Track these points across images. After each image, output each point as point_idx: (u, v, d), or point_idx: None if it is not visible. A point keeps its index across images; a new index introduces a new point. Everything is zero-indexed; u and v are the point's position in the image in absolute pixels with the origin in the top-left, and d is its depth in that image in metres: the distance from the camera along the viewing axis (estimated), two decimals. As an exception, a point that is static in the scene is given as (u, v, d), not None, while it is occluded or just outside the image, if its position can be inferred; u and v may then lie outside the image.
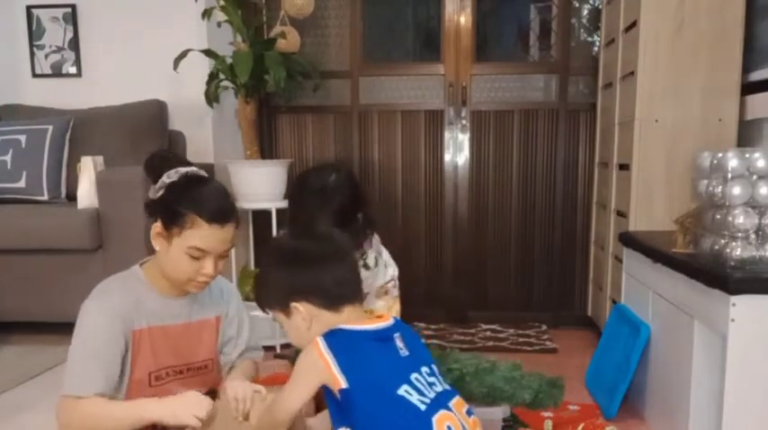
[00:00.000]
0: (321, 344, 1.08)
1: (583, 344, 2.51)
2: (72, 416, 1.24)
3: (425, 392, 1.07)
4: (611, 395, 1.84)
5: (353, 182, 1.80)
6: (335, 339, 1.09)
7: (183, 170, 1.32)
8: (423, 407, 1.05)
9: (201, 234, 1.27)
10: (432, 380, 1.11)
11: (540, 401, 1.53)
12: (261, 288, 1.24)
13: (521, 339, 2.65)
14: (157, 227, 1.30)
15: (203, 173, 1.36)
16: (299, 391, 1.12)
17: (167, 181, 1.30)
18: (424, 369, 1.12)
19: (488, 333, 2.76)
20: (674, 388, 1.60)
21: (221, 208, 1.29)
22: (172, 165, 1.32)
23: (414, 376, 1.09)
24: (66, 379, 1.26)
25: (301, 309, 1.14)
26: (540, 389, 1.53)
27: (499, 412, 1.52)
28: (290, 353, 1.88)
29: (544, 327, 2.80)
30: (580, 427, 1.70)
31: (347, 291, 1.17)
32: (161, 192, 1.30)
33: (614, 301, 2.21)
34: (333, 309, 1.15)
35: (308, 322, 1.15)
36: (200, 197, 1.29)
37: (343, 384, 1.05)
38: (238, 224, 1.34)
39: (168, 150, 1.40)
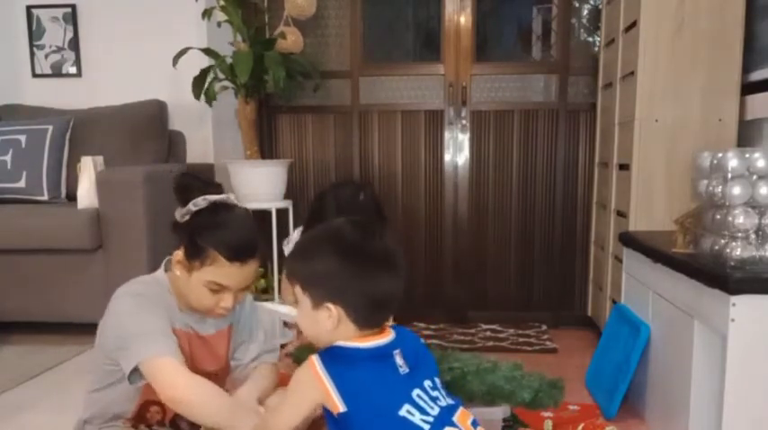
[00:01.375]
0: (318, 364, 1.03)
1: (583, 344, 2.51)
2: (177, 380, 1.20)
3: (428, 410, 1.03)
4: (610, 395, 1.84)
5: (378, 201, 1.80)
6: (333, 359, 1.03)
7: (211, 198, 1.28)
8: (426, 427, 1.01)
9: (222, 272, 1.24)
10: (435, 394, 1.07)
11: (539, 401, 1.53)
12: (303, 264, 1.09)
13: (521, 339, 2.65)
14: (179, 255, 1.28)
15: (232, 200, 1.32)
16: (295, 410, 1.07)
17: (194, 209, 1.27)
18: (427, 383, 1.07)
19: (488, 333, 2.76)
20: (674, 388, 1.60)
21: (243, 246, 1.26)
22: (201, 187, 1.29)
23: (415, 393, 1.04)
24: (133, 353, 1.21)
25: (334, 312, 1.05)
26: (541, 388, 1.53)
27: (499, 412, 1.52)
28: (292, 350, 1.86)
29: (544, 327, 2.80)
30: (580, 427, 1.71)
31: (386, 315, 1.09)
32: (186, 218, 1.27)
33: (614, 301, 2.21)
34: (363, 327, 1.06)
35: (333, 323, 1.05)
36: (222, 234, 1.25)
37: (342, 408, 1.00)
38: (262, 260, 1.32)
39: (196, 173, 1.37)
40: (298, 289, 1.09)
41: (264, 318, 1.55)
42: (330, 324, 1.05)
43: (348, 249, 1.06)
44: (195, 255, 1.25)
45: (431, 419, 1.02)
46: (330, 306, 1.05)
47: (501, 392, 1.49)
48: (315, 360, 1.03)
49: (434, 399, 1.06)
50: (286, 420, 1.08)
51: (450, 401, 1.09)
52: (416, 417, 1.01)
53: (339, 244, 1.07)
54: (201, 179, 1.34)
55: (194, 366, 1.33)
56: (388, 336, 1.08)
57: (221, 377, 1.44)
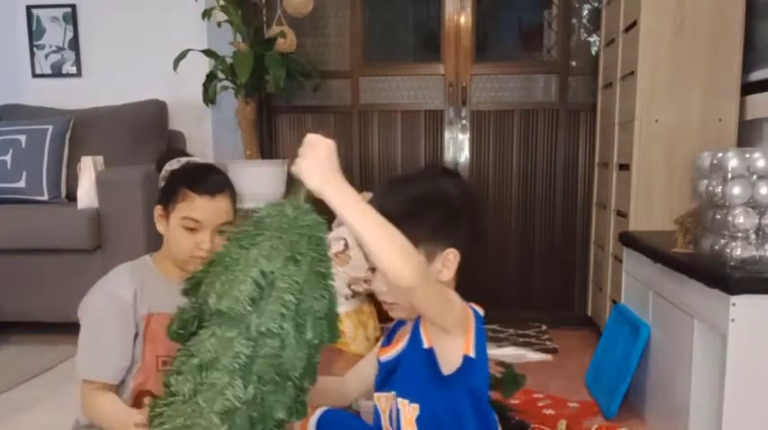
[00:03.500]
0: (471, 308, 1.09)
1: (583, 344, 2.51)
2: (86, 404, 1.33)
3: None
4: (610, 395, 1.84)
5: None
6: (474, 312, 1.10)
7: (184, 159, 1.42)
8: None
9: (193, 205, 1.33)
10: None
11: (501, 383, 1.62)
12: (414, 220, 1.03)
13: (521, 339, 2.64)
14: (158, 209, 1.39)
15: (205, 162, 1.46)
16: (442, 293, 1.04)
17: (169, 169, 1.41)
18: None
19: (488, 333, 2.75)
20: (674, 388, 1.60)
21: (210, 179, 1.36)
22: (176, 156, 1.45)
23: None
24: (77, 364, 1.34)
25: (452, 259, 1.08)
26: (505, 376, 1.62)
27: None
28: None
29: (544, 327, 2.80)
30: (594, 428, 1.71)
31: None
32: (162, 182, 1.41)
33: (614, 301, 2.21)
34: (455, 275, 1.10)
35: (450, 271, 1.09)
36: (190, 172, 1.39)
37: (473, 353, 1.06)
38: (235, 199, 1.40)
39: (177, 149, 1.47)
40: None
41: None
42: (447, 272, 1.08)
43: (468, 199, 1.12)
44: (169, 198, 1.36)
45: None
46: (453, 251, 1.08)
47: None
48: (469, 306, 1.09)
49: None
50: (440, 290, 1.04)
51: None
52: None
53: (441, 191, 1.11)
54: (178, 150, 1.47)
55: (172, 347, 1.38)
56: (391, 357, 1.14)
57: None
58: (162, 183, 1.41)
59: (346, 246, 1.70)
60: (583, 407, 1.89)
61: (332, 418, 1.24)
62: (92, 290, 1.38)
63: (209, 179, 1.36)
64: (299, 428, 1.18)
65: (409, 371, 1.10)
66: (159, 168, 1.45)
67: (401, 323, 1.20)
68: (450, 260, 1.08)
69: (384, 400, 1.13)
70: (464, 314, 1.07)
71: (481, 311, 1.12)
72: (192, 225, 1.33)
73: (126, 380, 1.35)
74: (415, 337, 1.09)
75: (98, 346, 1.34)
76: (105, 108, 2.82)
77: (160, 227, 1.39)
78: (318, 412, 1.24)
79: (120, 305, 1.34)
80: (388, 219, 0.92)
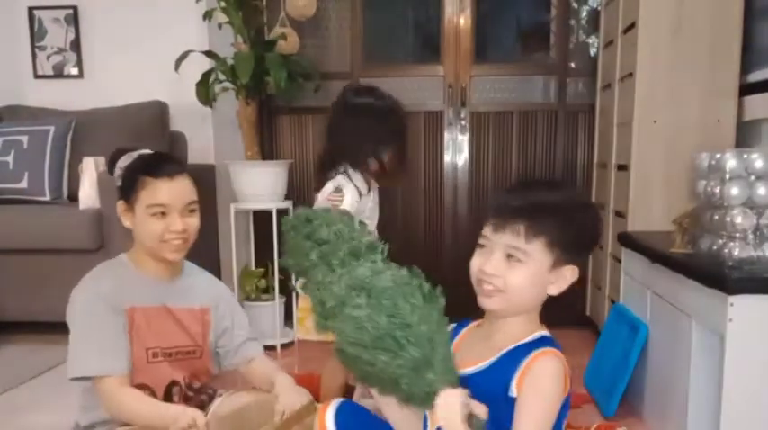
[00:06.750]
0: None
1: (581, 344, 2.52)
2: (115, 405, 1.32)
3: None
4: (609, 394, 1.85)
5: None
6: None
7: (135, 153, 1.42)
8: None
9: (155, 190, 1.34)
10: None
11: None
12: (565, 222, 1.03)
13: (520, 339, 2.65)
14: (120, 205, 1.39)
15: (155, 152, 1.46)
16: (552, 415, 1.01)
17: (122, 165, 1.41)
18: None
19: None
20: (673, 387, 1.60)
21: (166, 163, 1.38)
22: (126, 154, 1.44)
23: None
24: (79, 366, 1.34)
25: (570, 277, 1.06)
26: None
27: None
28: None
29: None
30: (593, 428, 1.72)
31: None
32: (119, 180, 1.40)
33: (613, 301, 2.22)
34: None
35: (560, 287, 1.06)
36: (144, 160, 1.40)
37: None
38: (193, 181, 1.41)
39: (123, 148, 1.47)
40: (536, 245, 1.03)
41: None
42: (555, 288, 1.06)
43: (596, 216, 1.10)
44: (129, 190, 1.36)
45: None
46: (574, 268, 1.05)
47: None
48: (560, 354, 1.05)
49: None
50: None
51: None
52: None
53: (593, 208, 1.12)
54: (125, 148, 1.46)
55: (165, 341, 1.39)
56: None
57: (199, 356, 1.47)
58: (118, 182, 1.41)
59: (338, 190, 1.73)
60: (575, 399, 1.92)
61: (349, 410, 1.21)
62: (73, 293, 1.39)
63: (164, 163, 1.38)
64: (318, 413, 1.16)
65: (481, 399, 1.01)
66: (111, 171, 1.45)
67: (462, 325, 1.16)
68: (566, 278, 1.05)
69: None
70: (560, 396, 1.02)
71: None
72: (159, 209, 1.34)
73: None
74: (501, 371, 1.03)
75: (98, 341, 1.33)
76: (107, 109, 2.83)
77: (126, 222, 1.39)
78: (336, 402, 1.21)
79: (104, 297, 1.35)
80: (542, 210, 1.01)
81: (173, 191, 1.35)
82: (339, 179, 1.72)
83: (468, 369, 1.07)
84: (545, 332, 1.07)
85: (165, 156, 1.44)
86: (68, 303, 1.39)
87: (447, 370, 1.01)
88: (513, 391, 0.99)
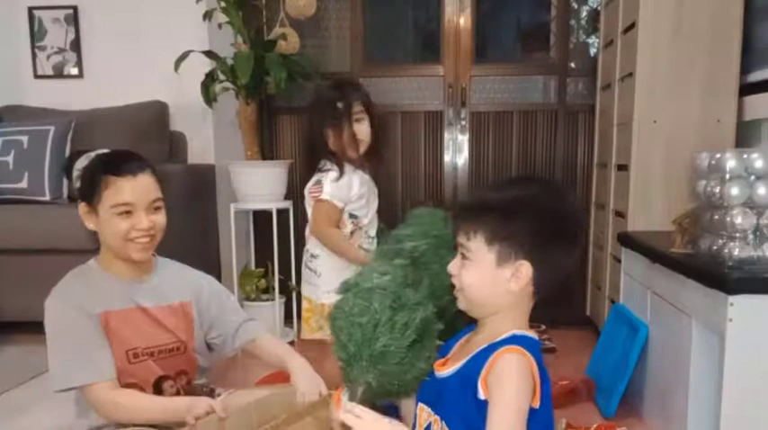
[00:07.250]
0: (531, 355, 0.99)
1: (581, 344, 2.52)
2: (110, 408, 1.31)
3: None
4: (609, 394, 1.85)
5: None
6: (532, 349, 1.00)
7: (92, 153, 1.39)
8: None
9: (118, 189, 1.31)
10: None
11: None
12: (500, 217, 1.02)
13: (520, 339, 2.65)
14: (82, 206, 1.36)
15: (114, 150, 1.43)
16: (521, 416, 0.96)
17: (80, 167, 1.38)
18: None
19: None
20: (673, 387, 1.61)
21: (128, 161, 1.34)
22: (82, 155, 1.41)
23: None
24: (63, 377, 1.31)
25: (524, 272, 1.00)
26: None
27: None
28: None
29: (543, 327, 2.81)
30: (593, 428, 1.72)
31: (560, 288, 1.07)
32: (78, 182, 1.37)
33: (613, 301, 2.22)
34: (533, 297, 1.04)
35: (517, 284, 1.01)
36: (104, 161, 1.36)
37: (538, 404, 0.98)
38: (158, 177, 1.38)
39: (79, 150, 1.46)
40: (477, 243, 1.02)
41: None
42: (514, 284, 1.01)
43: (553, 210, 1.04)
44: (91, 191, 1.33)
45: None
46: (526, 264, 1.01)
47: None
48: (525, 351, 0.98)
49: None
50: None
51: None
52: None
53: (543, 203, 1.04)
54: (81, 150, 1.44)
55: (144, 341, 1.38)
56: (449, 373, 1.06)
57: (183, 352, 1.45)
58: (77, 184, 1.38)
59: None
60: (572, 383, 1.96)
61: None
62: (45, 305, 1.36)
63: (126, 161, 1.34)
64: (334, 399, 1.15)
65: (454, 404, 1.02)
66: (69, 175, 1.42)
67: (456, 340, 1.15)
68: (521, 273, 1.01)
69: (426, 415, 1.08)
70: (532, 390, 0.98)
71: (536, 336, 1.04)
72: (124, 209, 1.31)
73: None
74: (469, 372, 1.01)
75: (76, 351, 1.31)
76: (107, 109, 2.83)
77: (90, 224, 1.36)
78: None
79: (75, 305, 1.33)
80: (479, 208, 1.03)
81: (137, 189, 1.32)
82: (317, 174, 1.90)
83: (446, 371, 1.07)
84: (523, 331, 1.03)
85: (127, 154, 1.39)
86: (45, 320, 1.36)
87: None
88: (481, 393, 0.97)
